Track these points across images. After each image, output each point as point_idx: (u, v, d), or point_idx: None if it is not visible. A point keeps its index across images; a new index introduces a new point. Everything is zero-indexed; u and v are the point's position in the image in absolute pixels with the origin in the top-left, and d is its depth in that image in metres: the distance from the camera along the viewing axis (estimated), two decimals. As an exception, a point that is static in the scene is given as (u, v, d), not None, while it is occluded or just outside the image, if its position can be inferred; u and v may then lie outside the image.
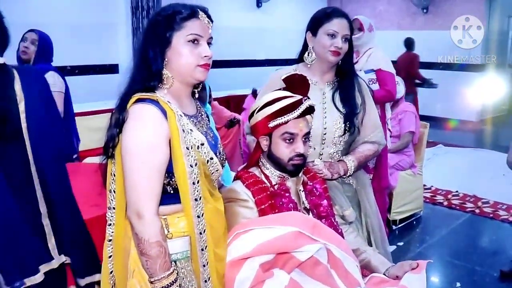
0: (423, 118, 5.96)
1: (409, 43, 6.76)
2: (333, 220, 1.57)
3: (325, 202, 1.57)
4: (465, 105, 7.53)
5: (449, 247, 3.42)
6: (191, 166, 1.22)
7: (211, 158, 1.28)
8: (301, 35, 1.85)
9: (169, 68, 1.26)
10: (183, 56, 1.24)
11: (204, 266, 1.28)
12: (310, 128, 1.54)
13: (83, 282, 1.62)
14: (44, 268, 1.47)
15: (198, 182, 1.24)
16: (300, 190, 1.57)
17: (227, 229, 1.41)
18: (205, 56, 1.26)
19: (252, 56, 7.72)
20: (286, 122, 1.46)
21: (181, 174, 1.21)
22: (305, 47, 1.83)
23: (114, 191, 1.27)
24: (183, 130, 1.22)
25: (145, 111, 1.19)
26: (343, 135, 1.78)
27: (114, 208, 1.28)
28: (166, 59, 1.25)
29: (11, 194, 1.42)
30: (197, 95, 1.39)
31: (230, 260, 1.34)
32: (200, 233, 1.25)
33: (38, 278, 1.45)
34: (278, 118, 1.46)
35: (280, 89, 1.55)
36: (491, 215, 3.92)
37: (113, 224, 1.29)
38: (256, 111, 1.51)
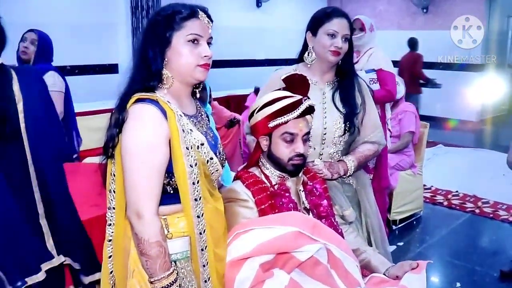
0: (423, 118, 5.97)
1: (412, 43, 6.76)
2: (333, 220, 1.57)
3: (325, 202, 1.57)
4: (465, 105, 7.53)
5: (449, 247, 3.42)
6: (191, 166, 1.22)
7: (211, 158, 1.28)
8: (301, 35, 1.85)
9: (169, 68, 1.26)
10: (183, 56, 1.24)
11: (204, 266, 1.27)
12: (310, 128, 1.54)
13: (87, 280, 1.62)
14: (45, 266, 1.48)
15: (198, 182, 1.24)
16: (300, 190, 1.57)
17: (227, 229, 1.41)
18: (205, 56, 1.26)
19: (252, 56, 7.72)
20: (286, 122, 1.46)
21: (181, 174, 1.21)
22: (305, 47, 1.83)
23: (114, 191, 1.26)
24: (183, 130, 1.22)
25: (145, 111, 1.19)
26: (343, 135, 1.78)
27: (114, 208, 1.28)
28: (166, 59, 1.25)
29: (11, 194, 1.42)
30: (198, 95, 1.39)
31: (230, 260, 1.34)
32: (200, 233, 1.25)
33: (40, 276, 1.45)
34: (278, 118, 1.45)
35: (280, 89, 1.55)
36: (491, 215, 3.92)
37: (113, 224, 1.29)
38: (256, 111, 1.51)
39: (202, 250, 1.26)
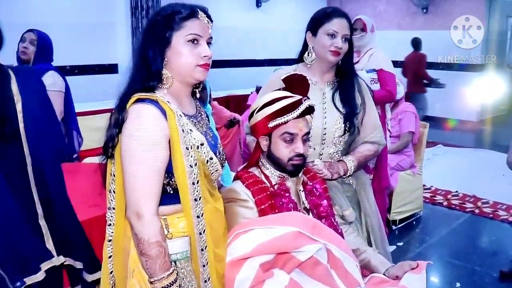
0: (423, 118, 5.96)
1: (416, 43, 6.75)
2: (333, 220, 1.57)
3: (325, 202, 1.57)
4: (465, 105, 7.53)
5: (449, 247, 3.42)
6: (191, 166, 1.22)
7: (211, 158, 1.28)
8: (301, 35, 1.85)
9: (169, 68, 1.26)
10: (183, 56, 1.24)
11: (204, 266, 1.27)
12: (310, 128, 1.54)
13: (90, 278, 1.62)
14: (45, 266, 1.47)
15: (197, 182, 1.24)
16: (300, 190, 1.57)
17: (227, 229, 1.41)
18: (204, 56, 1.25)
19: (251, 56, 7.72)
20: (285, 122, 1.46)
21: (180, 174, 1.21)
22: (305, 47, 1.83)
23: (114, 191, 1.26)
24: (183, 130, 1.22)
25: (144, 111, 1.19)
26: (343, 135, 1.78)
27: (113, 208, 1.27)
28: (165, 59, 1.25)
29: (11, 194, 1.42)
30: (198, 95, 1.39)
31: (230, 260, 1.34)
32: (200, 233, 1.25)
33: (40, 276, 1.45)
34: (278, 118, 1.45)
35: (279, 89, 1.55)
36: (490, 215, 3.92)
37: (113, 224, 1.29)
38: (255, 111, 1.51)
39: (202, 250, 1.26)
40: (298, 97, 1.48)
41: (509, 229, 3.73)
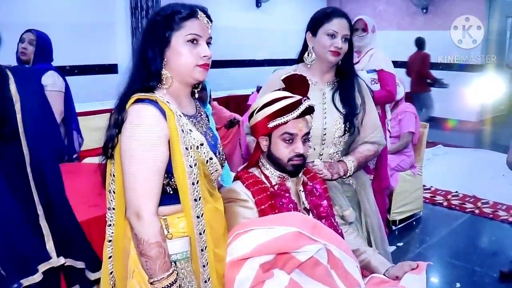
0: (428, 118, 5.95)
1: (420, 43, 6.76)
2: (333, 221, 1.57)
3: (325, 202, 1.57)
4: (465, 105, 7.52)
5: (449, 248, 3.42)
6: (191, 166, 1.22)
7: (211, 158, 1.28)
8: (301, 35, 1.85)
9: (168, 68, 1.26)
10: (182, 56, 1.24)
11: (204, 266, 1.27)
12: (310, 128, 1.53)
13: (94, 276, 1.62)
14: (42, 267, 1.47)
15: (197, 182, 1.23)
16: (300, 190, 1.57)
17: (227, 229, 1.41)
18: (204, 56, 1.25)
19: (251, 56, 7.72)
20: (285, 123, 1.46)
21: (180, 175, 1.21)
22: (305, 47, 1.83)
23: (114, 192, 1.26)
24: (183, 131, 1.22)
25: (144, 112, 1.19)
26: (343, 135, 1.78)
27: (113, 209, 1.27)
28: (165, 59, 1.25)
29: (11, 195, 1.42)
30: (196, 95, 1.39)
31: (230, 260, 1.34)
32: (200, 234, 1.25)
33: (37, 277, 1.44)
34: (278, 119, 1.45)
35: (279, 89, 1.55)
36: (490, 216, 3.92)
37: (113, 224, 1.29)
38: (255, 111, 1.51)
39: (202, 250, 1.26)
40: (298, 97, 1.48)
41: (509, 230, 3.73)
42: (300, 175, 1.57)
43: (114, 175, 1.26)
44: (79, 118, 3.22)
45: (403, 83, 3.65)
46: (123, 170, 1.20)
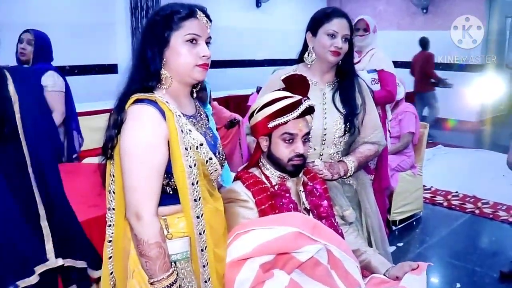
0: (422, 118, 5.95)
1: (424, 43, 6.75)
2: (334, 221, 1.57)
3: (325, 202, 1.57)
4: (465, 105, 7.53)
5: (449, 248, 3.42)
6: (190, 166, 1.22)
7: (210, 158, 1.28)
8: (301, 35, 1.85)
9: (168, 68, 1.26)
10: (182, 56, 1.24)
11: (204, 266, 1.27)
12: (310, 128, 1.53)
13: (97, 274, 1.61)
14: (39, 269, 1.46)
15: (197, 182, 1.23)
16: (300, 190, 1.56)
17: (227, 229, 1.41)
18: (203, 56, 1.25)
19: (251, 56, 7.72)
20: (285, 123, 1.45)
21: (180, 175, 1.21)
22: (305, 47, 1.83)
23: (114, 192, 1.26)
24: (182, 131, 1.22)
25: (143, 112, 1.19)
26: (343, 135, 1.78)
27: (113, 209, 1.27)
28: (164, 59, 1.25)
29: (11, 195, 1.42)
30: (195, 95, 1.39)
31: (230, 260, 1.34)
32: (200, 234, 1.25)
33: (33, 279, 1.44)
34: (278, 119, 1.45)
35: (280, 90, 1.54)
36: (491, 216, 3.91)
37: (113, 225, 1.29)
38: (255, 111, 1.51)
39: (202, 250, 1.26)
40: (298, 97, 1.48)
41: (509, 230, 3.73)
42: (300, 175, 1.57)
43: (113, 176, 1.26)
44: (79, 118, 3.23)
45: (403, 83, 3.64)
46: (122, 170, 1.20)
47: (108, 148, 1.23)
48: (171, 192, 1.25)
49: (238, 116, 4.21)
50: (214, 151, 1.31)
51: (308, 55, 1.80)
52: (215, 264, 1.30)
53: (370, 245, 1.82)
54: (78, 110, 3.24)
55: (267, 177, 1.52)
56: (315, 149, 1.76)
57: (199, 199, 1.24)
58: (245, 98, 5.33)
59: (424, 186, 4.09)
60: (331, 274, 1.39)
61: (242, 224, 1.40)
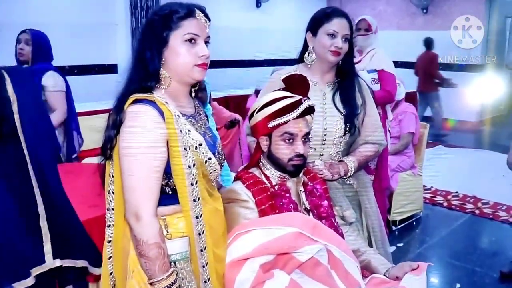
0: (423, 118, 5.95)
1: (428, 43, 6.76)
2: (334, 221, 1.57)
3: (325, 202, 1.57)
4: (465, 105, 7.53)
5: (449, 248, 3.42)
6: (189, 167, 1.21)
7: (209, 159, 1.28)
8: (301, 35, 1.85)
9: (167, 68, 1.25)
10: (181, 56, 1.23)
11: (203, 266, 1.27)
12: (310, 128, 1.53)
13: (99, 271, 1.61)
14: (35, 271, 1.46)
15: (196, 183, 1.23)
16: (300, 190, 1.56)
17: (226, 229, 1.40)
18: (202, 56, 1.25)
19: (251, 56, 7.71)
20: (285, 122, 1.45)
21: (179, 175, 1.21)
22: (305, 47, 1.82)
23: (113, 192, 1.26)
24: (181, 131, 1.21)
25: (142, 112, 1.18)
26: (343, 135, 1.78)
27: (113, 209, 1.27)
28: (163, 59, 1.24)
29: (11, 195, 1.41)
30: (193, 94, 1.38)
31: (230, 260, 1.34)
32: (199, 234, 1.25)
33: (29, 282, 1.43)
34: (278, 118, 1.45)
35: (280, 90, 1.54)
36: (491, 216, 3.91)
37: (112, 225, 1.28)
38: (256, 111, 1.51)
39: (201, 250, 1.26)
40: (298, 97, 1.48)
41: (509, 230, 3.73)
42: (300, 175, 1.56)
43: (113, 176, 1.25)
44: (79, 118, 3.22)
45: (403, 84, 3.64)
46: (121, 170, 1.19)
47: (107, 149, 1.23)
48: (170, 192, 1.24)
49: (238, 116, 4.20)
50: (213, 151, 1.31)
51: (308, 55, 1.80)
52: (214, 264, 1.29)
53: (370, 245, 1.82)
54: (78, 110, 3.24)
55: (267, 177, 1.52)
56: (315, 149, 1.76)
57: (198, 199, 1.24)
58: (245, 98, 5.32)
59: (424, 186, 4.09)
60: (331, 274, 1.39)
61: (242, 224, 1.40)
